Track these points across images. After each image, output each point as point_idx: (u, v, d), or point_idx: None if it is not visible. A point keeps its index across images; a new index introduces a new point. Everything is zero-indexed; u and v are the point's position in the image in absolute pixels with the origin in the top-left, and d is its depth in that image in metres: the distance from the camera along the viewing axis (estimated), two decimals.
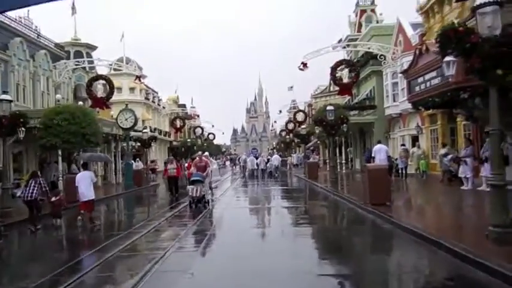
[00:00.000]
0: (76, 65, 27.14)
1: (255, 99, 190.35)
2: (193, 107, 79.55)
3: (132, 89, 46.02)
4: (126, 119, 25.36)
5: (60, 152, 20.48)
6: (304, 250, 7.82)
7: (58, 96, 22.02)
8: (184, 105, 69.29)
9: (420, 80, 13.92)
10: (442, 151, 17.75)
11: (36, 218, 10.80)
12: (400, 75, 24.56)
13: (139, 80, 26.79)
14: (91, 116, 18.20)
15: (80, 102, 24.58)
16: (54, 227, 11.14)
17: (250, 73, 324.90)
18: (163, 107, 56.61)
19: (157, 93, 56.33)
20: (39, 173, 12.13)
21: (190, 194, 13.15)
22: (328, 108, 20.36)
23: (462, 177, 14.83)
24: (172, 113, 57.38)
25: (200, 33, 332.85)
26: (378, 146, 19.68)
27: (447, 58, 8.76)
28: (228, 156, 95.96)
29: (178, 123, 50.23)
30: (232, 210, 13.78)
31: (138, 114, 46.02)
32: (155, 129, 48.73)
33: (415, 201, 13.50)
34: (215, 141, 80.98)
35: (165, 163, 20.28)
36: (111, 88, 25.88)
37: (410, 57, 23.03)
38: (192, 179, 13.48)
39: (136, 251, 8.17)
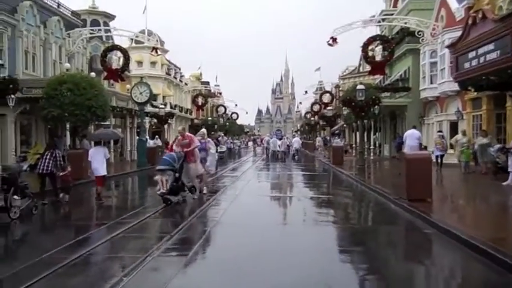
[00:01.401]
0: (91, 33, 25.67)
1: (281, 80, 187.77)
2: (218, 85, 77.93)
3: (153, 63, 44.57)
4: (141, 93, 23.87)
5: (67, 126, 19.34)
6: (329, 267, 5.89)
7: (67, 65, 20.60)
8: (207, 83, 67.62)
9: (471, 54, 11.75)
10: (484, 140, 15.54)
11: (55, 191, 10.77)
12: (440, 53, 22.20)
13: (156, 52, 25.07)
14: (98, 87, 16.74)
15: (93, 74, 23.21)
16: (61, 203, 10.66)
17: (276, 53, 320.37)
18: (186, 84, 55.12)
19: (179, 69, 54.87)
20: (55, 144, 11.79)
21: (156, 191, 10.32)
22: (359, 87, 18.31)
23: (510, 171, 12.67)
24: (194, 90, 55.91)
25: (227, 13, 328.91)
26: (409, 131, 18.05)
27: None
28: (252, 137, 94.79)
29: (200, 100, 48.93)
30: (246, 199, 12.14)
31: (159, 89, 44.94)
32: (175, 105, 47.41)
33: (461, 199, 11.46)
34: (239, 121, 79.55)
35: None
36: (126, 59, 24.40)
37: (454, 34, 20.72)
38: (158, 167, 10.61)
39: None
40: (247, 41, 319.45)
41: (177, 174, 10.48)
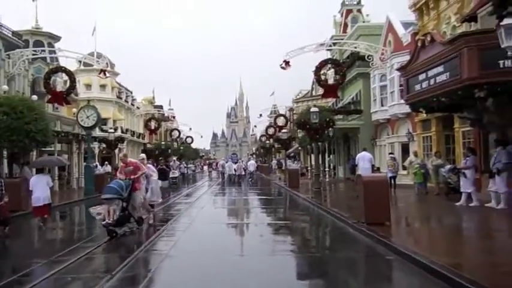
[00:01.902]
0: (33, 54, 24.30)
1: (236, 103, 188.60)
2: (171, 109, 76.71)
3: (102, 86, 43.10)
4: (87, 117, 22.70)
5: (4, 153, 17.89)
6: None
7: (4, 87, 19.21)
8: (161, 107, 66.30)
9: (422, 77, 11.92)
10: (439, 161, 15.84)
11: None
12: (389, 77, 22.81)
13: (104, 74, 24.04)
14: (38, 111, 15.59)
15: (34, 96, 21.81)
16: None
17: (231, 77, 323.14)
18: (138, 107, 53.74)
19: (131, 92, 53.48)
20: None
21: (100, 218, 9.25)
22: (313, 109, 18.27)
23: (463, 191, 12.83)
24: (147, 113, 54.55)
25: (181, 38, 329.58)
26: (361, 154, 18.40)
27: (507, 21, 6.50)
28: (207, 161, 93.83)
29: (153, 124, 47.52)
30: (199, 227, 11.45)
31: (109, 113, 43.37)
32: (127, 130, 45.90)
33: (418, 221, 11.34)
34: (194, 145, 78.36)
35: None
36: (72, 82, 23.26)
37: (402, 58, 21.40)
38: (105, 195, 9.63)
39: None
40: (201, 65, 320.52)
41: (124, 204, 9.67)
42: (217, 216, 13.79)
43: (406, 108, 21.52)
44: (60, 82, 25.06)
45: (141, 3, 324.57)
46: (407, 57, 20.76)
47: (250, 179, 32.39)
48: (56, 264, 6.92)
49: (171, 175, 22.29)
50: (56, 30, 30.76)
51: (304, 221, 12.57)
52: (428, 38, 11.27)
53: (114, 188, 9.75)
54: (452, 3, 17.42)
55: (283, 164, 45.43)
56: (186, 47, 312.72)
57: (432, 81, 11.29)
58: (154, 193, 11.43)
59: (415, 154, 18.43)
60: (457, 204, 12.65)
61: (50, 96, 23.01)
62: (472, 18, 13.45)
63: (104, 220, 9.32)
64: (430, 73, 11.37)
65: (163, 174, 13.37)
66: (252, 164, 34.40)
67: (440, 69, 10.90)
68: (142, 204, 10.58)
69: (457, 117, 16.47)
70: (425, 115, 18.83)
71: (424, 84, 11.75)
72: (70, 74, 23.49)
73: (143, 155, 11.65)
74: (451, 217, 11.16)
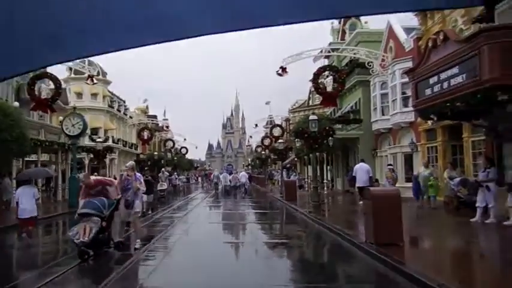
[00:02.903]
0: None
1: (232, 114, 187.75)
2: (166, 119, 75.42)
3: (94, 95, 41.85)
4: (73, 125, 21.45)
5: None
6: None
7: None
8: (155, 117, 65.03)
9: (433, 80, 10.77)
10: (453, 173, 14.69)
11: None
12: (391, 84, 21.76)
13: (92, 80, 22.75)
14: (14, 117, 14.35)
15: (16, 103, 20.65)
16: None
17: (227, 88, 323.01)
18: (131, 117, 52.43)
19: (124, 102, 52.25)
20: None
21: (73, 238, 8.00)
22: (311, 117, 17.13)
23: (479, 206, 11.64)
24: (140, 123, 53.26)
25: (176, 48, 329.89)
26: (358, 165, 17.67)
27: None
28: (203, 172, 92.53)
29: (145, 134, 46.28)
30: (186, 248, 10.18)
31: (100, 122, 42.09)
32: (118, 140, 44.60)
33: (433, 241, 10.10)
34: (189, 156, 76.96)
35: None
36: (57, 88, 21.99)
37: (404, 64, 20.41)
38: (83, 210, 8.48)
39: None
40: (197, 76, 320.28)
41: (104, 223, 8.41)
42: (207, 235, 12.43)
43: (409, 117, 20.64)
44: (45, 89, 23.86)
45: None
46: (410, 64, 19.84)
47: (243, 192, 31.24)
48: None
49: (158, 187, 20.95)
50: None
51: (304, 240, 11.31)
52: (441, 37, 10.16)
53: (95, 204, 8.54)
54: None
55: (274, 175, 44.40)
56: (183, 58, 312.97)
57: (446, 85, 10.15)
58: (137, 206, 10.07)
59: (426, 165, 17.10)
60: (472, 220, 11.47)
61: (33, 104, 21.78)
62: (483, 18, 12.37)
63: (78, 238, 8.05)
64: (443, 75, 10.23)
65: (148, 187, 11.93)
66: (243, 176, 32.99)
67: (455, 70, 9.77)
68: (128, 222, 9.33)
69: (466, 126, 15.39)
70: (430, 124, 17.78)
71: (436, 88, 10.60)
72: (56, 81, 22.23)
73: (132, 163, 10.25)
74: (470, 236, 9.97)
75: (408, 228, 10.64)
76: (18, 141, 14.27)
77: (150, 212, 14.30)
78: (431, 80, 10.89)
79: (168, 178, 22.74)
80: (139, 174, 10.32)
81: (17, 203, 10.54)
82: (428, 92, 11.11)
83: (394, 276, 6.69)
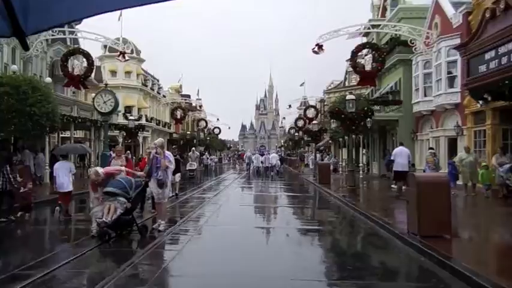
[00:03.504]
0: (51, 35, 23.00)
1: (265, 95, 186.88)
2: (199, 99, 75.45)
3: (127, 73, 41.94)
4: (104, 102, 21.11)
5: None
6: None
7: (14, 67, 18.01)
8: (188, 96, 65.01)
9: (489, 55, 9.64)
10: (501, 159, 13.46)
11: (11, 209, 10.07)
12: (435, 63, 20.29)
13: (124, 57, 22.41)
14: (44, 92, 14.14)
15: (48, 79, 20.70)
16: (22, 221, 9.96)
17: (261, 69, 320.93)
18: (164, 96, 52.51)
19: (157, 80, 52.29)
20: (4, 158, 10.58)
21: (96, 218, 7.75)
22: (349, 97, 16.15)
23: None
24: (173, 102, 53.30)
25: (212, 28, 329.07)
26: (398, 149, 16.57)
27: None
28: (236, 152, 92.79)
29: (179, 113, 46.28)
30: (211, 234, 9.66)
31: (134, 101, 42.23)
32: (151, 118, 44.75)
33: (486, 234, 9.09)
34: (222, 137, 77.02)
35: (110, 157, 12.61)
36: (89, 65, 21.85)
37: (451, 42, 18.89)
38: (108, 188, 7.97)
39: None
40: (231, 56, 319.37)
41: (129, 205, 7.93)
42: (235, 218, 11.87)
43: (455, 99, 19.21)
44: (78, 65, 23.82)
45: None
46: (458, 41, 18.33)
47: (273, 173, 30.69)
48: (13, 283, 5.25)
49: (188, 167, 20.53)
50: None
51: (339, 227, 10.55)
52: (502, 5, 8.97)
53: (122, 183, 8.09)
54: None
55: (306, 157, 43.53)
56: (216, 37, 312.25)
57: (505, 60, 9.02)
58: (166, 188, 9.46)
59: (467, 150, 15.87)
60: None
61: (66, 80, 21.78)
62: None
63: (101, 218, 7.64)
64: (502, 49, 9.10)
65: (176, 167, 11.41)
66: (274, 157, 32.25)
67: None
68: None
69: None
70: (479, 105, 16.39)
71: (493, 64, 9.48)
72: (88, 57, 22.08)
73: (161, 140, 9.63)
74: None
75: (453, 219, 9.70)
76: (49, 117, 14.08)
77: (178, 192, 13.83)
78: (488, 55, 9.77)
79: (198, 158, 22.24)
80: (169, 153, 9.73)
81: (55, 176, 10.73)
82: (483, 68, 10.00)
83: (442, 273, 5.87)
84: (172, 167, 9.11)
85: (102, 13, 1.56)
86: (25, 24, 1.58)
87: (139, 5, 1.56)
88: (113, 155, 12.84)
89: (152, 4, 1.56)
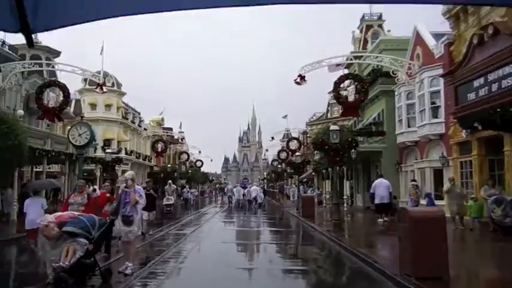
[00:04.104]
0: (26, 68, 22.27)
1: (248, 128, 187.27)
2: (182, 132, 74.74)
3: (108, 106, 41.23)
4: (79, 135, 20.23)
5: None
6: None
7: None
8: (170, 129, 64.35)
9: (478, 82, 9.31)
10: (490, 190, 12.99)
11: None
12: (418, 94, 20.18)
13: (101, 88, 21.80)
14: (11, 124, 13.28)
15: (20, 111, 19.80)
16: None
17: (244, 102, 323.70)
18: (145, 129, 51.66)
19: (139, 113, 51.56)
20: None
21: (51, 264, 6.73)
22: (333, 127, 15.71)
23: None
24: (155, 135, 52.39)
25: (192, 64, 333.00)
26: (378, 181, 16.48)
27: None
28: (217, 186, 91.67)
29: (159, 146, 45.31)
30: (188, 275, 8.76)
31: (113, 134, 41.31)
32: (131, 151, 43.72)
33: (485, 275, 8.42)
34: (205, 169, 75.91)
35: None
36: (65, 97, 21.14)
37: (434, 72, 18.85)
38: (67, 227, 7.00)
39: None
40: (213, 89, 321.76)
41: (91, 247, 7.04)
42: (214, 257, 10.95)
43: (439, 129, 18.96)
44: (53, 97, 23.06)
45: (150, 26, 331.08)
46: (440, 71, 18.26)
47: (256, 206, 30.19)
48: None
49: (165, 202, 19.52)
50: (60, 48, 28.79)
51: (325, 267, 9.76)
52: (490, 31, 8.69)
53: (83, 222, 7.17)
54: (497, 7, 14.88)
55: (285, 189, 42.87)
56: (199, 71, 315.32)
57: (495, 87, 8.67)
58: (136, 225, 8.54)
59: (452, 181, 15.28)
60: None
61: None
62: None
63: (57, 262, 6.71)
64: (492, 76, 8.77)
65: (150, 203, 10.37)
66: (254, 190, 31.73)
67: (508, 69, 8.27)
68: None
69: (508, 138, 13.69)
70: (464, 135, 16.12)
71: (483, 92, 9.14)
72: (64, 89, 21.38)
73: (131, 173, 8.73)
74: None
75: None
76: (16, 150, 13.17)
77: (150, 232, 12.62)
78: (476, 83, 9.43)
79: (175, 191, 21.17)
80: (140, 187, 8.91)
81: (25, 213, 10.34)
82: (472, 96, 9.65)
83: None
84: (142, 202, 8.26)
85: (113, 17, 1.55)
86: (34, 21, 1.52)
87: (153, 12, 1.54)
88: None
89: (163, 12, 1.55)
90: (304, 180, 43.94)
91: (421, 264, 6.84)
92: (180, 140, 65.03)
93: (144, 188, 10.41)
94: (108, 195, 9.27)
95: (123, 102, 44.67)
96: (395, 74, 21.21)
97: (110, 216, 7.90)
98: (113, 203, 8.14)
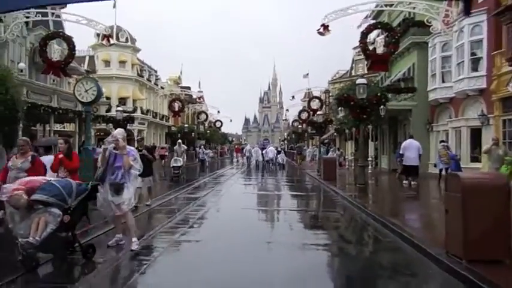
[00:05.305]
0: (27, 17, 20.80)
1: (269, 88, 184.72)
2: (201, 91, 73.36)
3: (122, 63, 39.90)
4: (86, 91, 18.85)
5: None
6: None
7: None
8: (188, 88, 62.81)
9: None
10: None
11: None
12: (456, 45, 18.01)
13: (108, 41, 20.18)
14: (2, 77, 12.05)
15: (21, 64, 18.61)
16: None
17: (264, 61, 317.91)
18: (162, 87, 50.35)
19: (155, 71, 50.06)
20: None
21: (17, 235, 5.54)
22: (360, 81, 13.96)
23: None
24: (172, 94, 51.10)
25: (214, 23, 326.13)
26: (407, 141, 15.34)
27: None
28: (236, 146, 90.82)
29: (177, 106, 44.07)
30: (192, 247, 7.55)
31: (128, 92, 40.11)
32: (148, 111, 42.73)
33: None
34: (226, 130, 74.89)
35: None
36: (70, 50, 19.67)
37: (476, 19, 16.55)
38: (36, 195, 5.63)
39: None
40: (235, 49, 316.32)
41: (66, 218, 5.75)
42: (220, 230, 9.76)
43: (479, 83, 16.93)
44: (58, 51, 21.75)
45: None
46: (484, 17, 16.08)
47: (272, 166, 30.24)
48: None
49: (172, 163, 18.22)
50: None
51: (352, 241, 8.38)
52: None
53: (56, 188, 5.81)
54: None
55: (303, 150, 41.58)
56: (219, 30, 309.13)
57: None
58: (129, 195, 7.08)
59: (495, 143, 13.45)
60: None
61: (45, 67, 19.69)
62: None
63: (25, 237, 5.50)
64: None
65: (145, 166, 8.19)
66: (271, 151, 31.37)
67: None
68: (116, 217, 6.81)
69: None
70: (510, 90, 14.16)
71: None
72: (69, 41, 19.86)
73: (120, 130, 7.16)
74: None
75: None
76: (8, 105, 12.00)
77: (149, 202, 11.20)
78: None
79: (185, 152, 19.65)
80: (132, 148, 7.53)
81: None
82: None
83: None
84: (138, 166, 6.90)
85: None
86: None
87: None
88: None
89: None
90: (326, 141, 42.33)
91: (475, 244, 5.40)
92: (198, 99, 63.70)
93: (137, 148, 9.09)
94: (61, 156, 7.42)
95: (138, 59, 43.20)
96: (430, 23, 18.98)
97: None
98: (99, 168, 6.75)
